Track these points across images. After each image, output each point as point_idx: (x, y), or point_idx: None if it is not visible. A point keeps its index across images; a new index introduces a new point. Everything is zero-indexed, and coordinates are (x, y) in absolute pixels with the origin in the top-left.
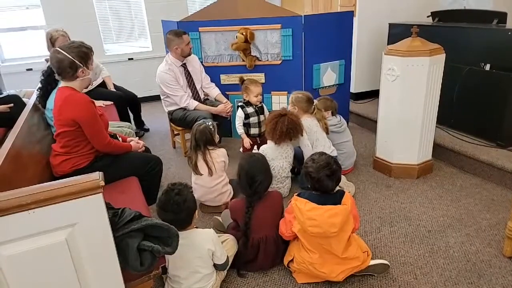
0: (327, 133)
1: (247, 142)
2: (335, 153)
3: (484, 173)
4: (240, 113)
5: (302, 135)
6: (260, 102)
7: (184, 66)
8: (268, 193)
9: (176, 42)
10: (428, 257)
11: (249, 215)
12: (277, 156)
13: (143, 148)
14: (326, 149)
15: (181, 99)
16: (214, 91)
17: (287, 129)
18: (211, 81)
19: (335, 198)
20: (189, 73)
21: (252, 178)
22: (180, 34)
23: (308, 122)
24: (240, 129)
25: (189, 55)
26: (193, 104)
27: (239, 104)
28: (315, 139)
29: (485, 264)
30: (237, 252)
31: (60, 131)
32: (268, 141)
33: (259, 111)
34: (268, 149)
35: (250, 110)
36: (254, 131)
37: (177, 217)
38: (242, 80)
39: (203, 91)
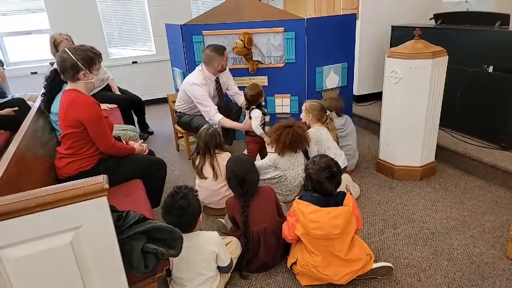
0: (337, 142)
1: (267, 139)
2: (346, 162)
3: (488, 175)
4: (257, 113)
5: (309, 146)
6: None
7: (217, 80)
8: (259, 189)
9: (218, 60)
10: (431, 259)
11: (246, 214)
12: (289, 167)
13: (147, 150)
14: (337, 157)
15: (208, 113)
16: (241, 98)
17: (290, 142)
18: None
19: (337, 199)
20: (220, 86)
21: (242, 179)
22: (222, 51)
23: (319, 131)
24: (259, 129)
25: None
26: (217, 118)
27: (253, 106)
28: (327, 147)
29: (489, 267)
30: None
31: (66, 133)
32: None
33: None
34: (279, 160)
35: (264, 110)
36: (267, 129)
37: (181, 221)
38: (248, 100)
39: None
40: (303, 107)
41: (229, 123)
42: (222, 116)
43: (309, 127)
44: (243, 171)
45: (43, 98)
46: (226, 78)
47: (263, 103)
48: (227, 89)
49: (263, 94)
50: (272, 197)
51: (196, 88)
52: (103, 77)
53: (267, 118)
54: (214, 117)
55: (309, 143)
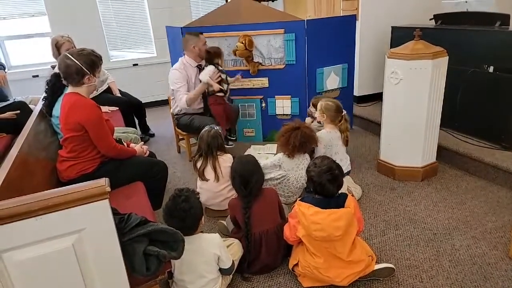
0: (346, 145)
1: (217, 86)
2: (350, 167)
3: (489, 175)
4: (210, 67)
5: (316, 146)
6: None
7: (199, 67)
8: (263, 190)
9: (193, 41)
10: (433, 260)
11: (248, 216)
12: (293, 168)
13: (148, 152)
14: (343, 163)
15: (177, 97)
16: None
17: (300, 143)
18: None
19: (338, 201)
20: None
21: (246, 180)
22: (197, 33)
23: (330, 135)
24: (206, 77)
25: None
26: (184, 99)
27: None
28: (334, 152)
29: (491, 267)
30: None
31: (67, 136)
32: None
33: (223, 71)
34: (284, 160)
35: (219, 68)
36: (225, 87)
37: (183, 224)
38: (205, 59)
39: None
40: (318, 106)
41: (193, 93)
42: (186, 94)
43: (313, 118)
44: (247, 171)
45: (44, 102)
46: None
47: (220, 66)
48: None
49: (220, 55)
50: (274, 199)
51: (172, 72)
52: (102, 78)
53: (224, 76)
54: (181, 100)
55: (317, 143)
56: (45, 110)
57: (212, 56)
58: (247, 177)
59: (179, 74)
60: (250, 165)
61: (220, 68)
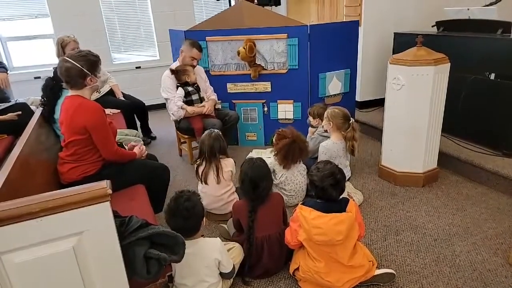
0: (353, 154)
1: (191, 109)
2: (350, 174)
3: (490, 181)
4: (180, 91)
5: (308, 157)
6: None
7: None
8: (269, 195)
9: (186, 48)
10: (434, 266)
11: (252, 219)
12: (295, 175)
13: (146, 153)
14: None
15: (172, 108)
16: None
17: (296, 157)
18: (216, 90)
19: (340, 205)
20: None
21: (256, 184)
22: (195, 46)
23: (336, 146)
24: (179, 102)
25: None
26: (180, 113)
27: (178, 84)
28: (338, 163)
29: (491, 274)
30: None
31: (71, 140)
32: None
33: (197, 89)
34: (275, 166)
35: (190, 88)
36: (200, 100)
37: (186, 223)
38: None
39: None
40: (325, 114)
41: (191, 110)
42: (185, 110)
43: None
44: (258, 175)
45: (44, 108)
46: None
47: (190, 81)
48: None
49: (185, 72)
50: (280, 204)
51: (164, 79)
52: (103, 78)
53: (195, 97)
54: (178, 112)
55: (308, 154)
56: (46, 115)
57: (179, 75)
58: (258, 182)
59: (170, 81)
60: (262, 170)
61: (190, 88)
